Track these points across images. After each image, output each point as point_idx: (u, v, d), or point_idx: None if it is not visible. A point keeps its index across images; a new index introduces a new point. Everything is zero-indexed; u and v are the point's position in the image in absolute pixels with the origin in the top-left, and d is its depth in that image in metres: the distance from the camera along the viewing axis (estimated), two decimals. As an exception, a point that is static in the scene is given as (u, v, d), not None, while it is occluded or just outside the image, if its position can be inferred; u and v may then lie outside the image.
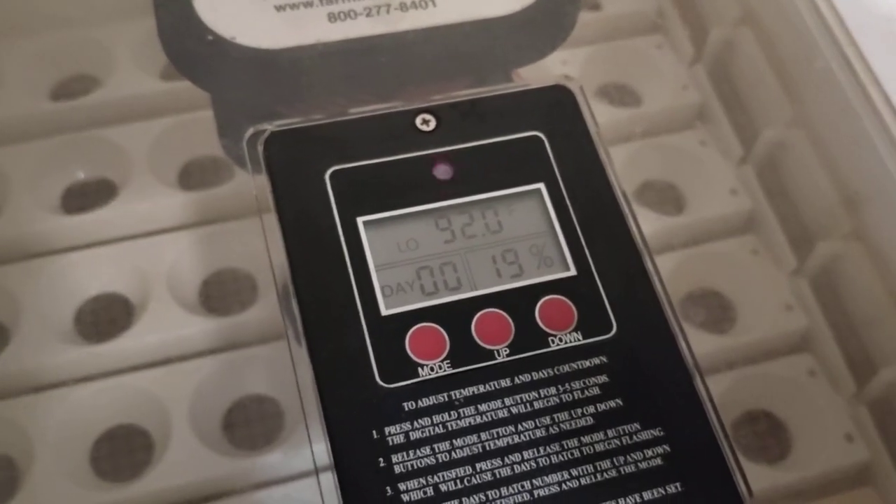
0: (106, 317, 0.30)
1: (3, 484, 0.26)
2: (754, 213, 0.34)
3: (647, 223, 0.31)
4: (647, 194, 0.36)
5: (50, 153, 0.32)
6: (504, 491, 0.17)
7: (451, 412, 0.17)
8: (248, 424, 0.28)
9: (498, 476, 0.17)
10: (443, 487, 0.17)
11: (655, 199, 0.35)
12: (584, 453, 0.17)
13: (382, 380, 0.18)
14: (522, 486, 0.17)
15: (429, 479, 0.17)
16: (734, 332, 0.31)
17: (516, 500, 0.17)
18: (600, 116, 0.21)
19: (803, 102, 0.32)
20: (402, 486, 0.17)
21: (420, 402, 0.17)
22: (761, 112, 0.35)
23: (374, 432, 0.17)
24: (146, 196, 0.31)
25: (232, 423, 0.28)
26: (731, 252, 0.32)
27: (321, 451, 0.17)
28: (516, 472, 0.17)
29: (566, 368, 0.18)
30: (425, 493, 0.17)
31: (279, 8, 0.21)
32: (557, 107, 0.21)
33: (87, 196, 0.33)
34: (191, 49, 0.20)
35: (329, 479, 0.17)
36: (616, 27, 0.39)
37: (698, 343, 0.19)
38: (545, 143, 0.21)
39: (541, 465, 0.17)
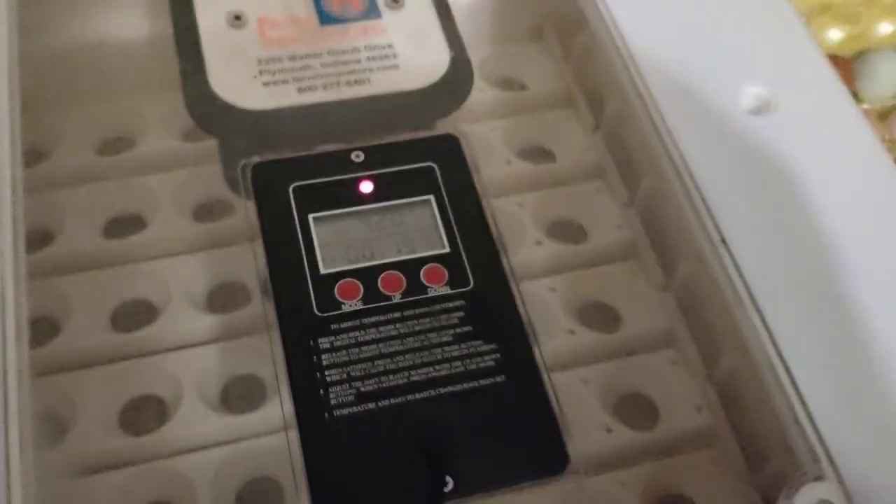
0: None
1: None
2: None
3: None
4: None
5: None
6: (391, 377, 0.27)
7: (360, 330, 0.28)
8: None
9: (387, 368, 0.27)
10: (353, 374, 0.27)
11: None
12: (444, 356, 0.27)
13: (318, 311, 0.28)
14: (403, 375, 0.27)
15: (343, 369, 0.27)
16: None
17: (398, 383, 0.27)
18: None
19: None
20: (327, 373, 0.27)
21: (341, 325, 0.28)
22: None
23: (310, 342, 0.27)
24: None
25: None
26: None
27: (280, 357, 0.27)
28: (400, 366, 0.27)
29: (437, 307, 0.28)
30: (341, 377, 0.27)
31: (265, 84, 0.33)
32: (447, 148, 0.32)
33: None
34: (205, 110, 0.31)
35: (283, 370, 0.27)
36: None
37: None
38: (436, 170, 0.31)
39: (415, 363, 0.27)
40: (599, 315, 0.41)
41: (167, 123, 0.47)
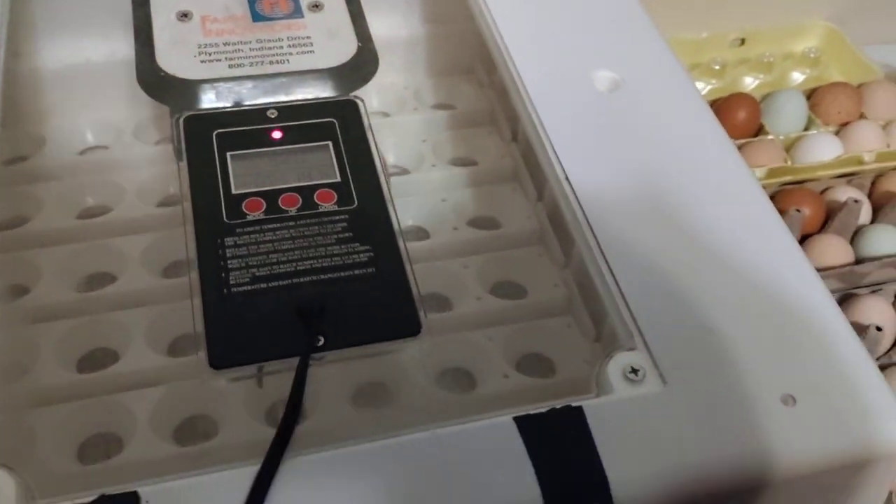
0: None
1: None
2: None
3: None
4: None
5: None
6: (281, 267, 0.33)
7: (259, 234, 0.34)
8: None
9: (279, 260, 0.33)
10: (250, 263, 0.33)
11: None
12: (326, 253, 0.34)
13: (227, 219, 0.34)
14: (291, 265, 0.33)
15: (243, 260, 0.33)
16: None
17: (287, 270, 0.33)
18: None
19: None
20: (229, 262, 0.33)
21: (245, 230, 0.34)
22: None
23: (218, 240, 0.34)
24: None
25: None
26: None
27: (193, 251, 0.33)
28: (289, 259, 0.33)
29: (325, 220, 0.35)
30: (240, 265, 0.33)
31: (202, 61, 0.40)
32: (348, 109, 0.39)
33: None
34: (152, 80, 0.39)
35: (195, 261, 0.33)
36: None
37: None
38: (336, 125, 0.38)
39: (302, 257, 0.34)
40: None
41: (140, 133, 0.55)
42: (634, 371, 0.31)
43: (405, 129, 0.57)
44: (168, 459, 0.36)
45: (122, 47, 0.54)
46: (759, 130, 0.70)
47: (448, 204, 0.52)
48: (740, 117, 0.66)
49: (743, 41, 0.80)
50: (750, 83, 0.76)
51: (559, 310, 0.47)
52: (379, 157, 0.38)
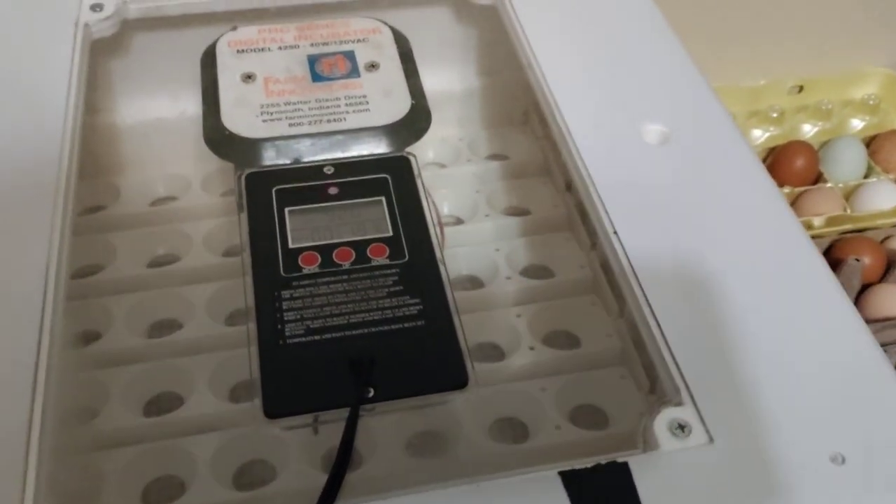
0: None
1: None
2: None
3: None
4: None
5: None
6: (334, 319, 0.34)
7: (314, 287, 0.35)
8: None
9: (332, 313, 0.35)
10: (305, 315, 0.35)
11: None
12: (378, 306, 0.35)
13: (284, 272, 0.36)
14: (343, 318, 0.35)
15: (298, 312, 0.35)
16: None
17: (339, 322, 0.34)
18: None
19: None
20: (285, 314, 0.35)
21: (300, 282, 0.36)
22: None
23: (275, 292, 0.35)
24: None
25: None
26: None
27: (251, 303, 0.35)
28: (342, 311, 0.35)
29: (377, 273, 0.36)
30: (295, 317, 0.34)
31: (264, 121, 0.42)
32: (400, 165, 0.41)
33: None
34: (216, 138, 0.41)
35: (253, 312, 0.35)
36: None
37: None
38: (389, 180, 0.40)
39: (355, 310, 0.35)
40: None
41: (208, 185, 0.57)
42: (681, 427, 0.32)
43: (459, 180, 0.59)
44: (227, 504, 0.37)
45: (191, 106, 0.57)
46: (818, 178, 0.70)
47: (501, 253, 0.53)
48: (798, 165, 0.66)
49: (801, 88, 0.79)
50: (808, 131, 0.76)
51: (613, 360, 0.48)
52: (432, 209, 0.39)
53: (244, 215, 0.39)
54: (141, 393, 0.46)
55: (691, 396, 0.33)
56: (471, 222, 0.56)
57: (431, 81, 0.49)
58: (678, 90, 0.45)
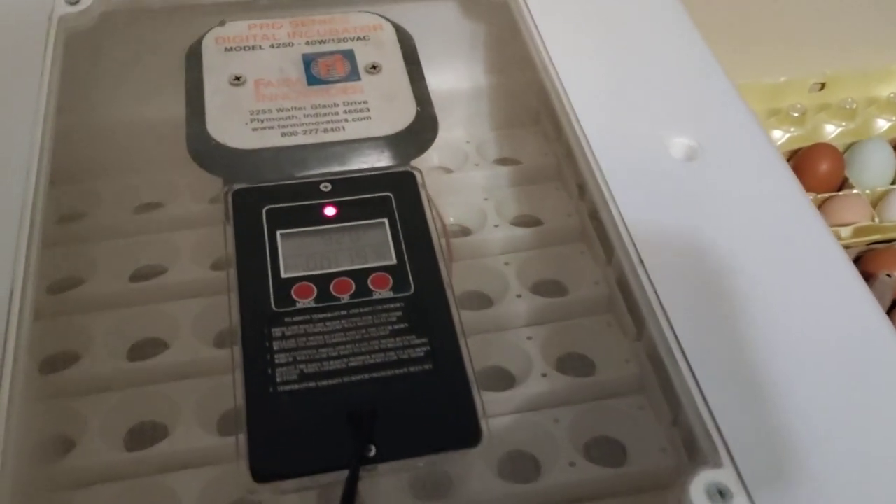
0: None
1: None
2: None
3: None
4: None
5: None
6: (331, 362, 0.31)
7: (309, 324, 0.32)
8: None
9: (329, 355, 0.31)
10: (298, 358, 0.31)
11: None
12: (380, 347, 0.31)
13: (275, 307, 0.32)
14: (342, 361, 0.31)
15: (291, 354, 0.31)
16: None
17: (337, 367, 0.30)
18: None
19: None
20: (276, 357, 0.31)
21: (293, 319, 0.32)
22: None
23: (265, 330, 0.31)
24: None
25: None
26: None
27: (238, 341, 0.31)
28: (340, 354, 0.31)
29: (380, 308, 0.32)
30: (288, 360, 0.31)
31: (254, 129, 0.38)
32: (404, 181, 0.37)
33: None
34: (200, 148, 0.37)
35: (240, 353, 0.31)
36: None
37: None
38: (392, 199, 0.36)
39: (354, 351, 0.31)
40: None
41: (195, 190, 0.53)
42: (721, 493, 0.28)
43: (466, 187, 0.55)
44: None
45: (176, 106, 0.53)
46: (843, 184, 0.66)
47: (511, 268, 0.50)
48: (823, 170, 0.62)
49: (823, 86, 0.75)
50: (831, 131, 0.72)
51: (631, 389, 0.44)
52: (437, 220, 0.35)
53: (230, 228, 0.35)
54: (121, 423, 0.43)
55: (731, 457, 0.29)
56: (479, 233, 0.52)
57: (437, 80, 0.45)
58: (707, 100, 0.41)
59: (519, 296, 0.48)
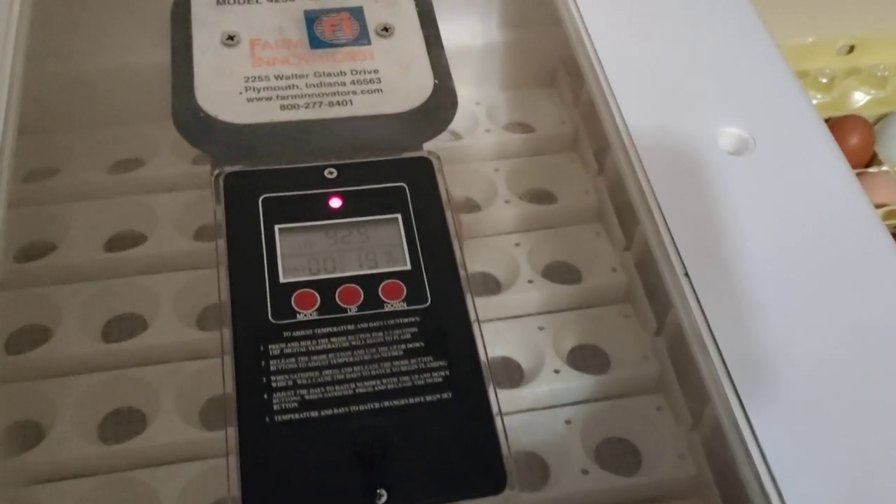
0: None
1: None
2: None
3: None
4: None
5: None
6: (337, 388, 0.27)
7: (312, 340, 0.28)
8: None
9: (334, 379, 0.27)
10: (299, 381, 0.27)
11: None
12: (393, 370, 0.27)
13: (273, 318, 0.28)
14: (349, 386, 0.27)
15: (290, 376, 0.27)
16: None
17: (344, 394, 0.27)
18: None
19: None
20: (273, 379, 0.27)
21: (293, 333, 0.28)
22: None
23: (261, 347, 0.27)
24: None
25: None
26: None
27: (230, 359, 0.27)
28: (347, 377, 0.27)
29: (392, 322, 0.28)
30: (287, 384, 0.27)
31: (249, 100, 0.33)
32: (420, 169, 0.32)
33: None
34: (188, 121, 0.32)
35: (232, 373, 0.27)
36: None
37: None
38: (406, 190, 0.32)
39: (363, 375, 0.27)
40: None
41: (177, 147, 0.49)
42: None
43: (476, 155, 0.50)
44: None
45: (159, 52, 0.48)
46: (872, 160, 0.62)
47: (522, 249, 0.46)
48: (853, 144, 0.58)
49: (851, 48, 0.71)
50: (859, 99, 0.67)
51: (649, 388, 0.41)
52: (456, 233, 0.31)
53: (220, 209, 0.31)
54: (96, 409, 0.39)
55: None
56: (488, 208, 0.48)
57: (445, 32, 0.40)
58: (762, 85, 0.37)
59: (531, 281, 0.44)
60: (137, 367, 0.40)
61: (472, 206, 0.48)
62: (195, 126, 0.33)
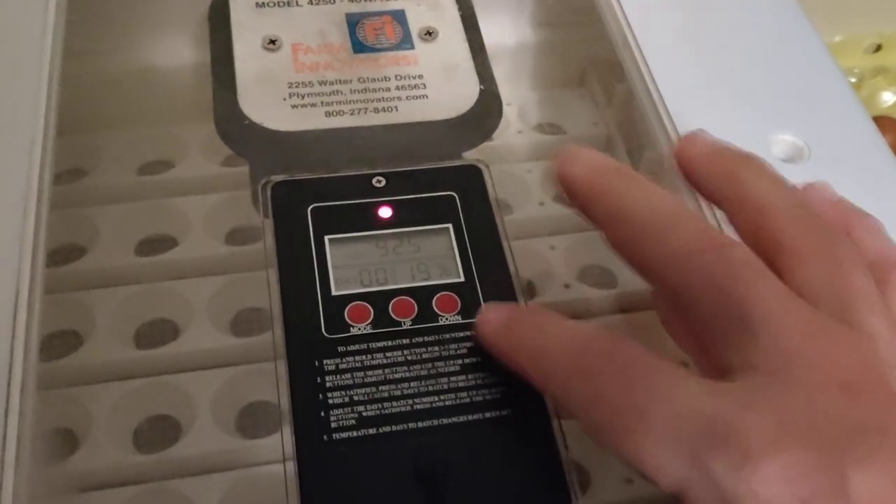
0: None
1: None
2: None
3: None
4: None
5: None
6: (395, 404, 0.26)
7: (367, 354, 0.27)
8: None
9: (391, 395, 0.26)
10: (356, 398, 0.26)
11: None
12: (450, 386, 0.27)
13: (326, 332, 0.27)
14: (406, 403, 0.26)
15: (346, 392, 0.26)
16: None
17: (401, 410, 0.26)
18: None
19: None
20: (329, 396, 0.26)
21: (348, 347, 0.27)
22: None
23: (315, 363, 0.27)
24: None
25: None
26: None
27: (284, 376, 0.27)
28: (404, 393, 0.26)
29: (447, 336, 0.28)
30: (343, 400, 0.26)
31: (294, 106, 0.33)
32: (470, 178, 0.32)
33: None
34: (232, 129, 0.32)
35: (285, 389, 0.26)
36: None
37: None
38: (457, 199, 0.31)
39: (420, 391, 0.27)
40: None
41: (206, 149, 0.48)
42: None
43: (508, 157, 0.50)
44: None
45: (188, 50, 0.47)
46: (902, 161, 0.61)
47: (557, 252, 0.45)
48: (884, 146, 0.57)
49: (879, 47, 0.70)
50: (888, 100, 0.67)
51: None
52: (508, 242, 0.30)
53: (269, 222, 0.30)
54: (130, 419, 0.39)
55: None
56: (520, 210, 0.47)
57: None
58: (815, 90, 0.36)
59: (567, 286, 0.44)
60: (172, 373, 0.39)
61: (505, 208, 0.48)
62: (240, 134, 0.32)
